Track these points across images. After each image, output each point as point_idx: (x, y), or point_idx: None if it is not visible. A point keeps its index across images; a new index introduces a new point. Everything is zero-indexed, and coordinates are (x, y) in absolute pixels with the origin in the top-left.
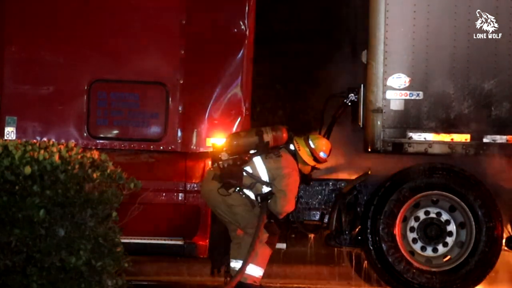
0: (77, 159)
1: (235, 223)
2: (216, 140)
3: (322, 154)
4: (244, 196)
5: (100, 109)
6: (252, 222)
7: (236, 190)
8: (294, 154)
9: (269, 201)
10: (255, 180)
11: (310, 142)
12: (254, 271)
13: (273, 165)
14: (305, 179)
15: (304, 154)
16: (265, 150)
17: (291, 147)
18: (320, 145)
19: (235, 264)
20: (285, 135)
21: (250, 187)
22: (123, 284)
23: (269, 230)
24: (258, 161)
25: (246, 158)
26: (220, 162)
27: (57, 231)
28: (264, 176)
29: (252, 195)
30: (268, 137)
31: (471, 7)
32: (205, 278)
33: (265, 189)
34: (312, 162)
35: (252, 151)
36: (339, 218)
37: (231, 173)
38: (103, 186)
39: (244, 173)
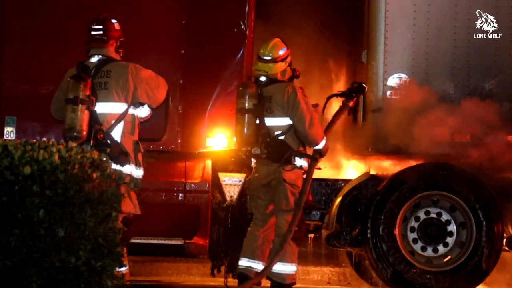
0: (76, 159)
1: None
2: (216, 140)
3: (281, 52)
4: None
5: None
6: (287, 202)
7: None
8: (279, 80)
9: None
10: (289, 132)
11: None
12: (288, 268)
13: (275, 107)
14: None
15: (277, 68)
16: (261, 110)
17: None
18: (268, 46)
19: (250, 264)
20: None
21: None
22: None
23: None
24: (268, 120)
25: (263, 130)
26: (258, 153)
27: (57, 231)
28: (286, 121)
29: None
30: (251, 102)
31: (471, 7)
32: (205, 278)
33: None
34: (283, 66)
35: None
36: (339, 218)
37: (275, 148)
38: (103, 186)
39: (278, 137)
